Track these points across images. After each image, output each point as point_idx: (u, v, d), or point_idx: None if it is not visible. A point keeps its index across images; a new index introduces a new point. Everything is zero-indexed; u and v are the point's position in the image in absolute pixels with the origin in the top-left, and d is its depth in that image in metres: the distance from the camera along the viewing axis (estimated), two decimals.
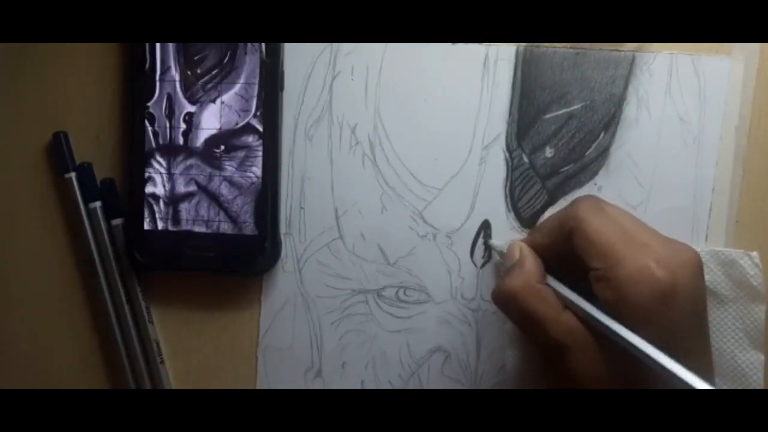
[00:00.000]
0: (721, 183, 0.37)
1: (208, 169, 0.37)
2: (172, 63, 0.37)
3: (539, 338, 0.32)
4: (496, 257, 0.38)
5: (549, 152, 0.37)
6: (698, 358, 0.31)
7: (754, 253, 0.35)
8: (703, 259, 0.35)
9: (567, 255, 0.32)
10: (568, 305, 0.32)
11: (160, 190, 0.38)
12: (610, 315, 0.30)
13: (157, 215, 0.38)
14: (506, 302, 0.33)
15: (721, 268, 0.36)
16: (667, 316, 0.29)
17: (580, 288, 0.32)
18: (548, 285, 0.33)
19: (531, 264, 0.33)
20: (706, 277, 0.35)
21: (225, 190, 0.37)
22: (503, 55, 0.37)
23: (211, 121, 0.37)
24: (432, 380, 0.39)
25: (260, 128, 0.37)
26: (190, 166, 0.37)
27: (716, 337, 0.36)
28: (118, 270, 0.39)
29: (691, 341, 0.30)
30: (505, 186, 0.38)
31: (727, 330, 0.36)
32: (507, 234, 0.38)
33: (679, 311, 0.29)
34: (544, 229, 0.35)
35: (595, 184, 0.37)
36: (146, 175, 0.37)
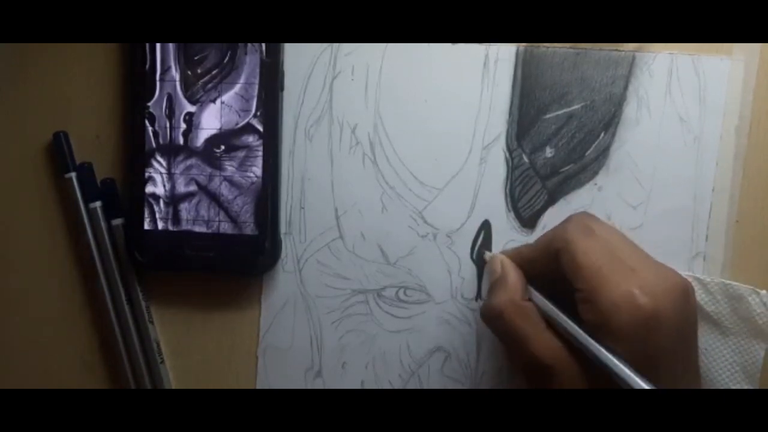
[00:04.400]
0: (721, 183, 0.37)
1: (208, 169, 0.37)
2: (172, 63, 0.37)
3: (522, 356, 0.32)
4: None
5: (549, 152, 0.37)
6: (684, 383, 0.31)
7: (764, 292, 0.35)
8: (712, 290, 0.35)
9: (554, 273, 0.32)
10: (550, 322, 0.32)
11: (160, 190, 0.38)
12: (592, 335, 0.30)
13: (157, 215, 0.38)
14: (493, 319, 0.33)
15: (728, 301, 0.35)
16: (648, 342, 0.29)
17: (565, 306, 0.32)
18: (531, 300, 0.33)
19: (513, 278, 0.33)
20: (712, 307, 0.35)
21: (225, 190, 0.37)
22: (503, 55, 0.37)
23: (211, 121, 0.37)
24: (432, 380, 0.39)
25: (260, 128, 0.37)
26: (190, 166, 0.37)
27: (711, 367, 0.35)
28: (118, 270, 0.39)
29: (675, 366, 0.31)
30: (505, 186, 0.38)
31: (724, 361, 0.35)
32: (507, 234, 0.38)
33: (662, 337, 0.30)
34: (532, 245, 0.35)
35: (595, 184, 0.37)
36: (146, 175, 0.37)
